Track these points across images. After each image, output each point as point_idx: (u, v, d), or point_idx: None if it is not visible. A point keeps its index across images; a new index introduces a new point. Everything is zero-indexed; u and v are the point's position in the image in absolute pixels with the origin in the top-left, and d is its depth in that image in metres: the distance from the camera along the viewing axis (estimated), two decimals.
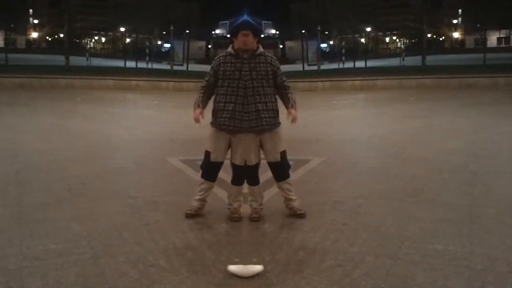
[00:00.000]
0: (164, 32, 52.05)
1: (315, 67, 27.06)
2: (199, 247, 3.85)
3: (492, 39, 61.19)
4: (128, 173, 6.19)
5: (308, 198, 4.94)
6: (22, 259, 3.60)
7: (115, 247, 3.82)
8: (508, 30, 63.79)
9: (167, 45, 44.03)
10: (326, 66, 30.54)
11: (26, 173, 6.06)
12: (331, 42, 59.07)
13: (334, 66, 30.23)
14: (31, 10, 67.39)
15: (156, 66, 29.68)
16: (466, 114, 11.27)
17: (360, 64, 29.26)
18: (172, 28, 31.31)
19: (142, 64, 29.32)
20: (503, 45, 60.71)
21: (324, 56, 38.16)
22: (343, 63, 30.57)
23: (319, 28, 32.86)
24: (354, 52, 35.95)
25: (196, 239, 4.03)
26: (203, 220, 4.44)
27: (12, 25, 52.33)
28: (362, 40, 51.86)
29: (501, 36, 64.46)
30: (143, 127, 10.02)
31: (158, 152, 7.42)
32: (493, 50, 44.04)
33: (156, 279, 3.33)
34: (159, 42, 56.79)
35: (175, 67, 26.51)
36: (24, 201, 4.95)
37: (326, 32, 54.31)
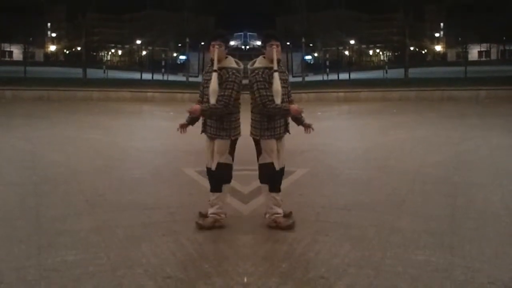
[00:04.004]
0: (179, 44, 52.41)
1: (300, 79, 27.19)
2: (216, 259, 3.86)
3: (473, 52, 62.33)
4: (145, 185, 6.19)
5: (292, 209, 4.94)
6: (40, 270, 3.61)
7: (132, 259, 3.83)
8: (488, 44, 65.03)
9: (182, 57, 44.25)
10: (310, 77, 30.71)
11: (44, 185, 6.07)
12: (316, 54, 59.54)
13: (319, 78, 30.42)
14: (49, 24, 68.24)
15: (171, 78, 29.86)
16: (448, 126, 11.41)
17: (344, 76, 29.50)
18: (187, 40, 31.54)
19: (158, 76, 29.56)
20: (483, 59, 61.84)
21: (309, 68, 38.41)
22: (327, 75, 30.77)
23: (303, 40, 33.10)
24: (338, 64, 36.25)
25: (213, 250, 4.05)
26: (220, 232, 4.45)
27: (31, 38, 52.67)
28: (346, 52, 52.37)
29: (481, 49, 65.66)
30: (159, 138, 10.03)
31: (174, 163, 7.43)
32: (474, 63, 44.79)
33: None
34: (175, 54, 57.14)
35: (191, 79, 26.64)
36: (42, 213, 4.96)
37: (311, 44, 54.73)
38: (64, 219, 4.75)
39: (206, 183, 5.95)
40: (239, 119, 4.58)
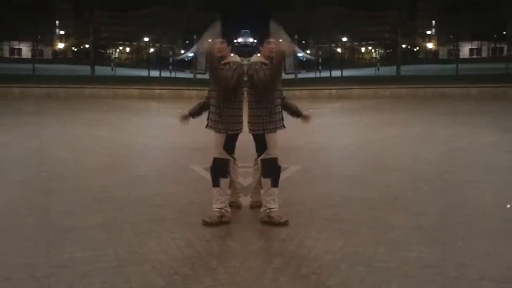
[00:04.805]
0: (187, 41, 52.39)
1: (292, 76, 27.23)
2: (224, 256, 3.88)
3: (465, 50, 62.66)
4: (152, 182, 6.21)
5: (285, 206, 4.95)
6: (49, 267, 3.62)
7: (140, 255, 3.84)
8: (479, 42, 65.37)
9: (190, 54, 44.24)
10: (303, 75, 30.77)
11: (53, 182, 6.08)
12: (308, 51, 59.57)
13: (311, 75, 30.47)
14: (57, 22, 68.27)
15: (179, 75, 30.02)
16: (440, 124, 11.46)
17: (336, 73, 29.58)
18: (195, 37, 31.56)
19: (165, 73, 29.67)
20: (475, 56, 62.13)
21: (301, 65, 38.45)
22: (320, 72, 30.84)
23: (296, 37, 33.12)
24: (331, 61, 36.32)
25: (221, 247, 4.07)
26: (227, 228, 4.46)
27: (39, 36, 52.51)
28: (339, 49, 52.46)
29: (473, 47, 65.97)
30: (167, 135, 10.07)
31: (181, 160, 7.45)
32: (465, 61, 44.99)
33: (181, 287, 3.34)
34: (182, 51, 56.95)
35: (198, 76, 26.67)
36: (50, 210, 4.97)
37: (303, 42, 54.75)
38: (72, 216, 4.77)
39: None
40: (239, 116, 4.63)
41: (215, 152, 4.63)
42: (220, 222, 4.52)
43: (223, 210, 4.56)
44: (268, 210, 4.56)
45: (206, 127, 4.75)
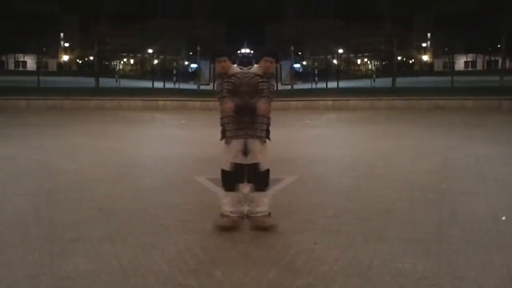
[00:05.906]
0: (190, 53, 52.54)
1: (289, 87, 27.33)
2: (228, 266, 3.86)
3: (460, 62, 63.11)
4: (156, 193, 6.21)
5: (281, 217, 4.95)
6: (53, 278, 3.61)
7: (144, 267, 3.82)
8: (474, 54, 65.88)
9: (193, 66, 44.35)
10: (299, 86, 30.87)
11: (57, 193, 6.08)
12: (304, 63, 59.86)
13: (307, 86, 30.57)
14: (62, 34, 68.62)
15: (183, 86, 30.01)
16: (435, 135, 11.50)
17: (332, 84, 29.68)
18: (198, 48, 31.66)
19: (169, 85, 29.66)
20: (470, 69, 62.54)
21: (297, 76, 38.61)
22: (316, 84, 30.95)
23: (292, 48, 33.30)
24: (327, 72, 36.48)
25: (225, 258, 4.05)
26: (231, 239, 4.45)
27: (44, 48, 52.84)
28: (335, 61, 52.73)
29: (468, 60, 66.46)
30: (171, 146, 10.05)
31: (186, 171, 7.44)
32: (460, 73, 45.27)
33: None
34: (186, 63, 57.05)
35: (202, 87, 26.78)
36: (55, 221, 4.96)
37: (299, 53, 55.05)
38: (77, 227, 4.76)
39: (218, 191, 5.99)
40: (240, 122, 4.67)
41: (224, 163, 4.77)
42: (233, 226, 4.64)
43: (231, 214, 4.69)
44: (264, 215, 4.74)
45: (225, 142, 4.86)
